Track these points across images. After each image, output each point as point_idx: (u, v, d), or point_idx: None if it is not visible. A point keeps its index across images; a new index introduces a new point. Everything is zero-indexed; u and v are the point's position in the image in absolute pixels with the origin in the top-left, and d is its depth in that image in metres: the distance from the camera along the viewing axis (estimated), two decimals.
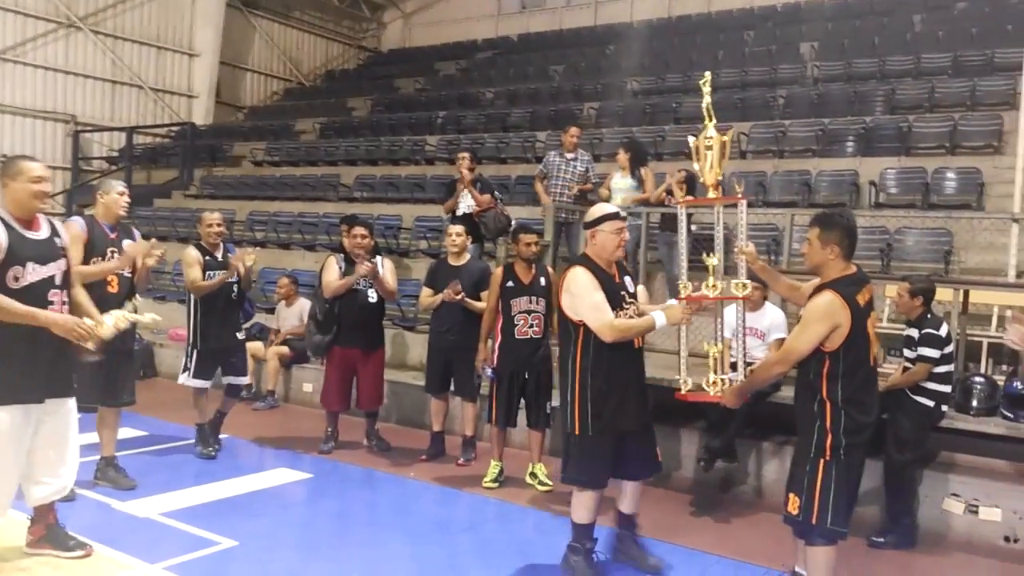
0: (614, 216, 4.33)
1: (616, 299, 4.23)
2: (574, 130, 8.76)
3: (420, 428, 7.27)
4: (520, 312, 5.83)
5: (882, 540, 5.05)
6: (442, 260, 6.84)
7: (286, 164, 15.77)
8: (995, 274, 7.19)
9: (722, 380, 4.29)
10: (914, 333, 5.25)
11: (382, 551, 4.72)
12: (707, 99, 4.50)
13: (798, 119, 11.41)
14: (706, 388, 4.32)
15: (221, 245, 6.41)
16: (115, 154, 17.75)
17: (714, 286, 4.23)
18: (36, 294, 3.95)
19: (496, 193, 8.53)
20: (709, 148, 4.32)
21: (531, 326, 5.82)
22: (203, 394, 6.43)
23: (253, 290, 8.11)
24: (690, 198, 4.17)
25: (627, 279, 4.40)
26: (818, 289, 3.83)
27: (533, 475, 5.95)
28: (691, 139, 4.48)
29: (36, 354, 3.97)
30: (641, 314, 4.29)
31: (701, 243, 8.44)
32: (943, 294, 6.04)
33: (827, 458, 3.75)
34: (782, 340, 6.12)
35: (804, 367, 3.83)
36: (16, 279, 3.91)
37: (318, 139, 17.01)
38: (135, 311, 4.57)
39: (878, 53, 13.02)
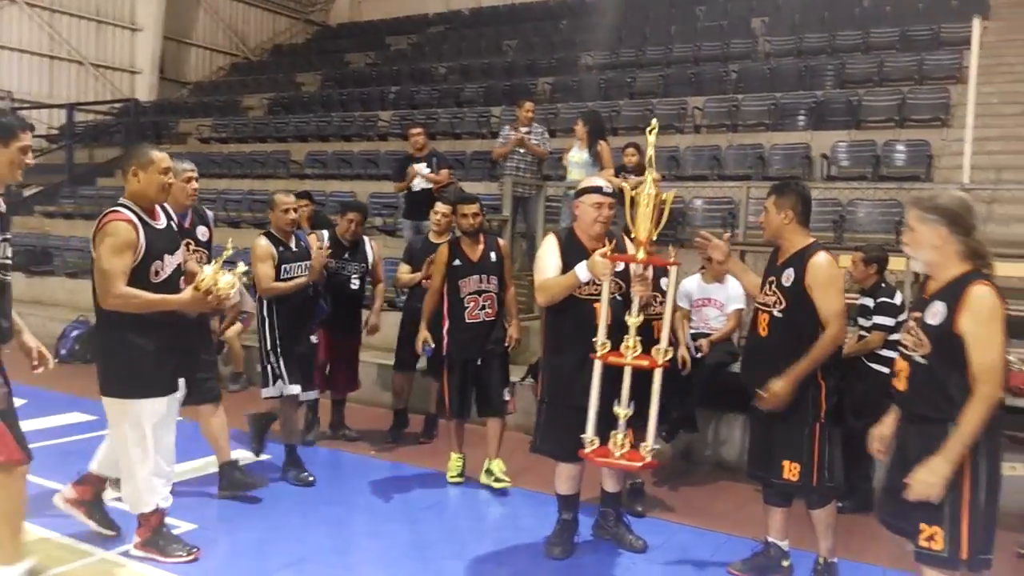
0: (595, 190, 4.21)
1: None
2: (529, 105, 8.69)
3: (381, 407, 7.18)
4: (470, 293, 5.26)
5: (842, 505, 5.13)
6: (422, 237, 6.62)
7: (234, 141, 15.47)
8: None
9: (645, 448, 3.93)
10: (869, 302, 5.33)
11: (345, 530, 4.67)
12: (650, 150, 4.01)
13: (751, 93, 11.51)
14: (612, 448, 3.94)
15: (293, 234, 5.45)
16: (55, 132, 17.20)
17: (633, 347, 3.87)
18: (173, 285, 3.96)
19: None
20: (647, 205, 3.86)
21: (483, 308, 5.28)
22: (292, 408, 5.45)
23: None
24: (617, 255, 3.87)
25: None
26: (809, 256, 3.81)
27: (488, 472, 5.42)
28: (625, 185, 4.08)
29: (167, 343, 3.92)
30: (621, 293, 4.11)
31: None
32: (896, 263, 6.13)
33: (821, 422, 3.84)
34: (740, 311, 6.18)
35: (791, 334, 3.82)
36: (157, 273, 3.87)
37: (266, 115, 16.75)
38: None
39: (828, 28, 13.16)
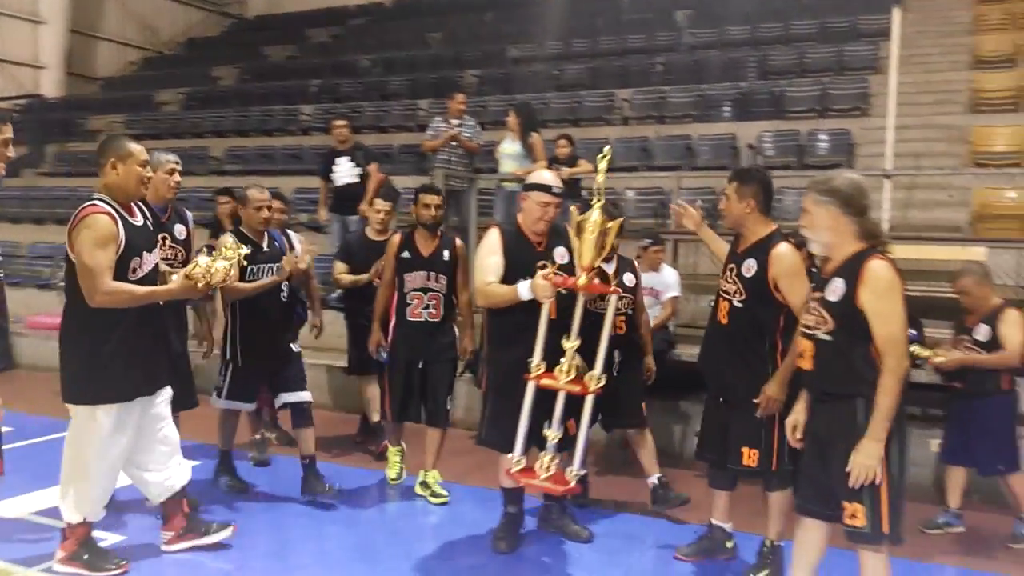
0: (544, 188, 4.10)
1: (529, 267, 3.99)
2: (460, 97, 8.54)
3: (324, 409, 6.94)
4: (414, 290, 4.96)
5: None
6: (358, 234, 6.33)
7: (148, 137, 14.78)
8: None
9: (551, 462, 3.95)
10: None
11: (286, 535, 4.50)
12: (600, 176, 3.92)
13: (677, 85, 11.62)
14: (538, 470, 3.95)
15: (266, 233, 4.96)
16: None
17: (567, 371, 3.85)
18: (150, 284, 3.83)
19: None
20: (593, 232, 3.83)
21: (426, 307, 4.96)
22: (234, 417, 5.13)
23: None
24: (559, 278, 3.89)
25: (559, 250, 4.13)
26: (771, 247, 3.76)
27: (424, 484, 5.10)
28: (572, 210, 3.96)
29: (138, 346, 3.79)
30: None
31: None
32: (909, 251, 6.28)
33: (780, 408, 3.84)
34: (676, 298, 6.21)
35: (751, 324, 3.81)
36: (135, 271, 3.75)
37: (182, 110, 16.24)
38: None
39: (750, 20, 13.38)
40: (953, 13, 11.85)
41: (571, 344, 3.87)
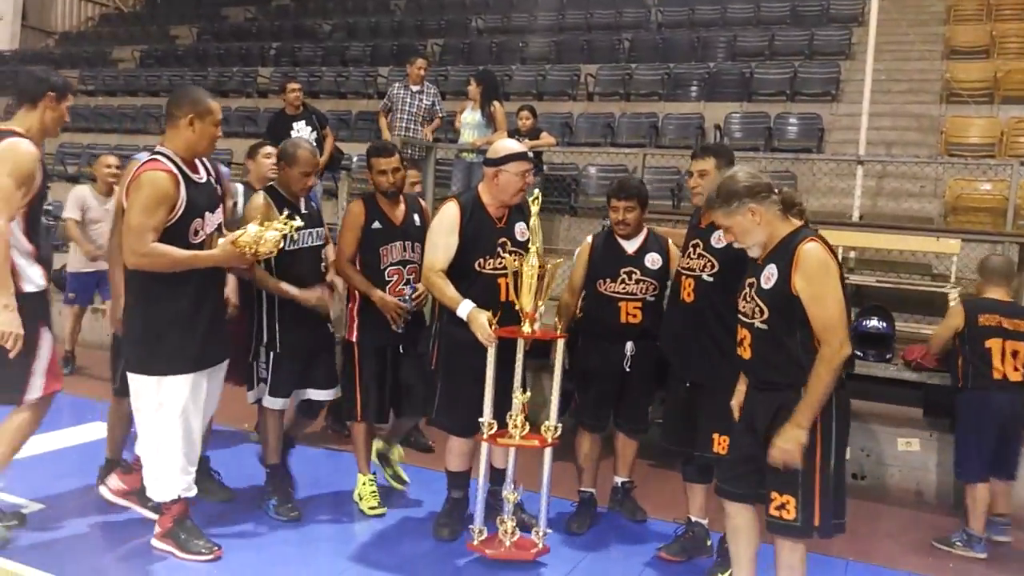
0: (521, 156, 3.86)
1: (489, 245, 3.83)
2: (420, 62, 8.20)
3: None
4: (393, 264, 4.21)
5: None
6: None
7: (102, 93, 14.60)
8: (836, 218, 7.32)
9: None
10: None
11: (209, 509, 4.15)
12: (534, 219, 3.72)
13: (643, 63, 11.38)
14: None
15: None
16: None
17: (521, 426, 3.74)
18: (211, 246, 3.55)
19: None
20: (531, 278, 3.65)
21: (407, 282, 4.24)
22: (278, 419, 4.26)
23: None
24: (502, 330, 3.67)
25: (519, 226, 3.90)
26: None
27: (386, 460, 4.67)
28: (508, 259, 3.76)
29: (197, 316, 3.51)
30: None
31: (553, 183, 8.32)
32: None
33: None
34: None
35: (721, 298, 3.49)
36: (196, 232, 3.47)
37: (138, 68, 15.88)
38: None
39: (719, 1, 13.08)
40: (927, 2, 11.71)
41: (522, 398, 3.74)
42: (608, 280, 4.11)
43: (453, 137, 8.92)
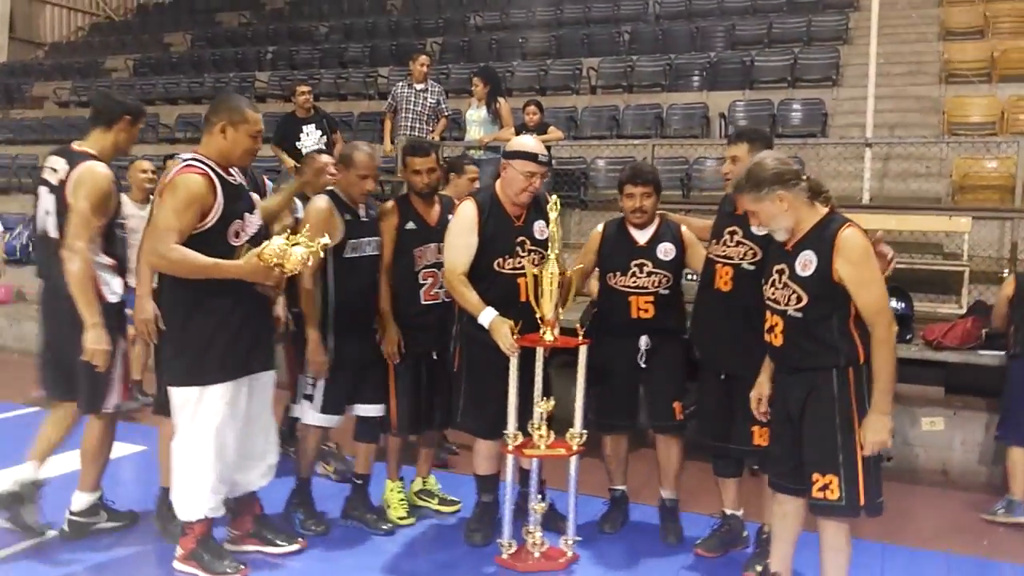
0: (531, 157, 3.76)
1: (507, 244, 3.78)
2: (423, 59, 8.20)
3: None
4: (427, 267, 4.06)
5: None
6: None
7: None
8: (846, 202, 7.36)
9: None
10: None
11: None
12: (553, 225, 3.72)
13: (644, 55, 11.40)
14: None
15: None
16: None
17: (543, 436, 3.75)
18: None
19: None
20: (551, 284, 3.62)
21: (442, 285, 4.03)
22: (320, 436, 4.14)
23: None
24: (525, 338, 3.65)
25: (538, 224, 3.83)
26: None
27: (428, 493, 4.44)
28: (527, 266, 3.72)
29: (232, 324, 3.43)
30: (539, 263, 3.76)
31: (562, 177, 8.34)
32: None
33: None
34: None
35: (756, 288, 3.32)
36: (238, 235, 3.42)
37: (132, 77, 15.70)
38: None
39: None
40: None
41: (544, 407, 3.72)
42: (618, 273, 3.97)
43: (458, 135, 8.93)
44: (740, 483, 3.94)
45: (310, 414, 3.98)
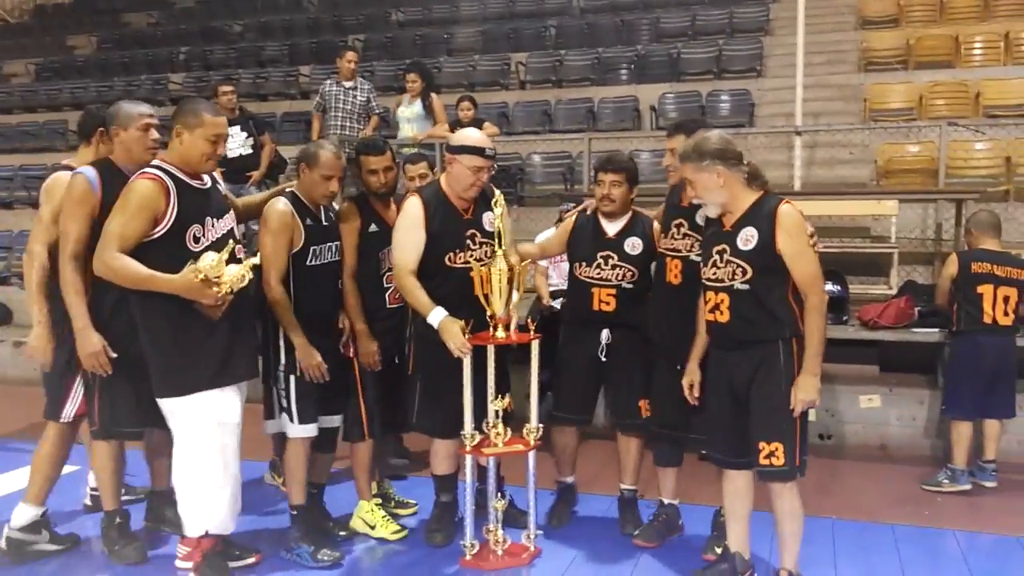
0: (477, 151, 3.69)
1: (457, 238, 3.73)
2: (350, 55, 7.99)
3: None
4: (390, 270, 3.90)
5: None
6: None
7: None
8: (778, 189, 7.51)
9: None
10: None
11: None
12: (499, 221, 3.66)
13: (571, 49, 11.43)
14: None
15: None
16: None
17: (500, 433, 3.72)
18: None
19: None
20: (500, 281, 3.59)
21: None
22: (306, 450, 3.82)
23: None
24: (476, 336, 3.61)
25: (487, 216, 3.76)
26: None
27: (385, 497, 4.31)
28: (474, 263, 3.67)
29: (213, 332, 3.33)
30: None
31: (498, 174, 8.27)
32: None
33: None
34: None
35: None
36: (197, 240, 3.30)
37: (35, 82, 14.98)
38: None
39: None
40: None
41: (499, 405, 3.69)
42: (584, 264, 3.95)
43: (388, 134, 8.78)
44: (678, 473, 3.97)
45: (292, 427, 3.74)
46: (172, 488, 3.53)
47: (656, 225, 3.98)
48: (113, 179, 3.43)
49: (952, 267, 4.78)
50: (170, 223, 3.24)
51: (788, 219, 3.10)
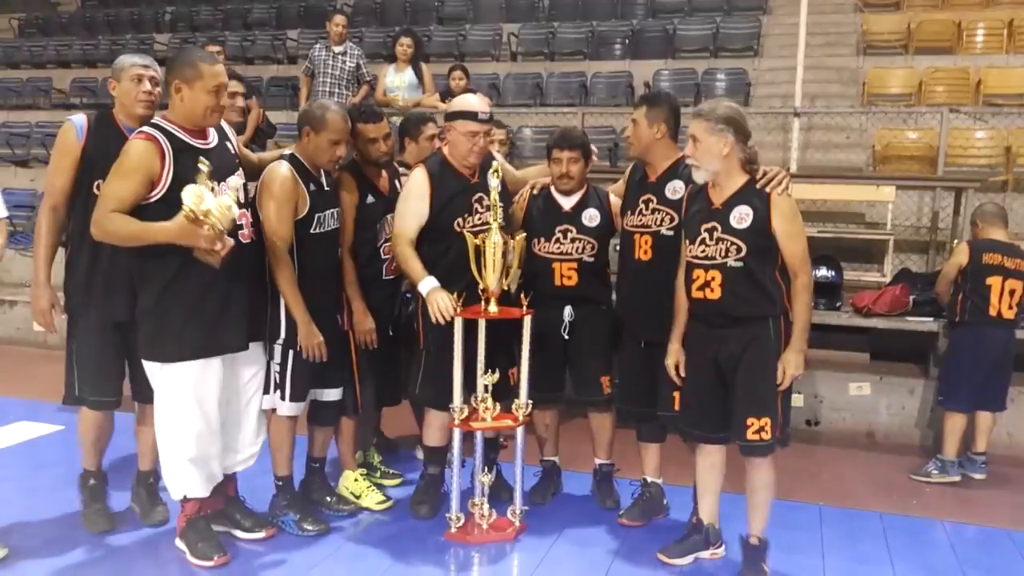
0: (470, 116, 3.64)
1: (464, 204, 3.70)
2: (339, 19, 7.79)
3: None
4: (388, 240, 3.89)
5: None
6: None
7: None
8: None
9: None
10: None
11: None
12: (494, 195, 3.56)
13: (564, 21, 11.22)
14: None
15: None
16: None
17: (489, 408, 3.70)
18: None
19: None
20: (495, 255, 3.54)
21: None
22: (292, 426, 3.76)
23: None
24: (468, 310, 3.59)
25: (493, 180, 3.62)
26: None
27: (370, 467, 4.32)
28: (468, 236, 3.58)
29: (205, 301, 3.21)
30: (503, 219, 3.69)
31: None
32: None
33: None
34: None
35: (675, 255, 3.46)
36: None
37: (18, 38, 14.68)
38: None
39: None
40: None
41: (489, 380, 3.65)
42: (543, 239, 3.86)
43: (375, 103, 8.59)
44: (662, 450, 3.95)
45: (281, 404, 3.65)
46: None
47: (614, 199, 3.93)
48: (106, 131, 3.34)
49: (962, 256, 4.68)
50: (166, 186, 3.09)
51: (784, 201, 3.17)
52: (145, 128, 3.15)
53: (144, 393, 3.45)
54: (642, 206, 3.64)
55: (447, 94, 7.41)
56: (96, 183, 3.25)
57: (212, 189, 3.05)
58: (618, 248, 3.89)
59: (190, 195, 2.96)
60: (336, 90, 7.69)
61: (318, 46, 7.89)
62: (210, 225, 2.98)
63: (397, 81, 7.65)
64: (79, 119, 3.38)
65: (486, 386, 3.67)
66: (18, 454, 4.67)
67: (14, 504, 3.92)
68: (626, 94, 9.33)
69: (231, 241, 3.11)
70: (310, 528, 3.70)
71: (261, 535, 3.63)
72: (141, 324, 3.24)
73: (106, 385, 3.50)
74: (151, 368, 3.26)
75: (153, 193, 3.09)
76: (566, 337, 3.91)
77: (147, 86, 3.38)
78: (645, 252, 3.63)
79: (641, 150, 3.65)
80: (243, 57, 12.00)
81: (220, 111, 3.23)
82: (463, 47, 11.00)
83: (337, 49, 7.71)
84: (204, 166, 3.03)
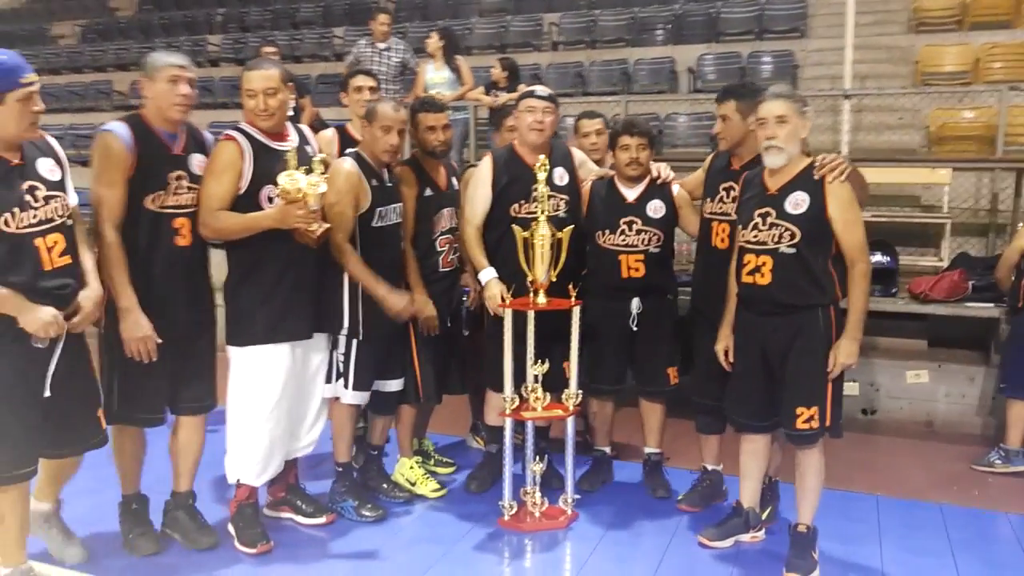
0: (527, 94, 3.86)
1: (523, 190, 3.82)
2: (383, 17, 7.85)
3: None
4: (444, 233, 3.97)
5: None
6: None
7: (46, 72, 13.84)
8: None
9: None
10: None
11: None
12: (542, 188, 3.60)
13: (605, 8, 11.14)
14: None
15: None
16: None
17: (539, 398, 3.73)
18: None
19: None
20: (543, 247, 3.58)
21: (455, 251, 4.03)
22: (354, 414, 3.88)
23: None
24: (517, 301, 3.63)
25: (558, 171, 3.77)
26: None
27: (425, 454, 4.38)
28: (516, 229, 3.63)
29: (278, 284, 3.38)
30: (566, 211, 3.86)
31: None
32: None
33: None
34: None
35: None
36: (271, 201, 3.31)
37: (80, 43, 15.23)
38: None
39: None
40: None
41: (538, 370, 3.70)
42: (608, 232, 3.87)
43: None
44: (721, 440, 3.94)
45: (345, 393, 3.74)
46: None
47: (678, 189, 3.95)
48: (147, 139, 3.19)
49: (1023, 240, 4.57)
50: (247, 184, 3.29)
51: (841, 188, 3.11)
52: (228, 131, 3.34)
53: (188, 405, 3.43)
54: (723, 194, 3.61)
55: (492, 86, 7.43)
56: (151, 196, 3.18)
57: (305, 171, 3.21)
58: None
59: (284, 178, 3.17)
60: (383, 86, 7.73)
61: (363, 42, 7.98)
62: (303, 202, 3.17)
63: (437, 78, 7.67)
64: (121, 128, 3.17)
65: (536, 376, 3.72)
66: None
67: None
68: (669, 80, 9.25)
69: (326, 224, 3.30)
70: (368, 514, 3.79)
71: (322, 520, 3.73)
72: (226, 309, 3.44)
73: (156, 400, 3.35)
74: (231, 352, 3.43)
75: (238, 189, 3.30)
76: (634, 329, 3.92)
77: (185, 88, 3.20)
78: (723, 240, 3.61)
79: (734, 143, 3.60)
80: (291, 55, 12.20)
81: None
82: (504, 38, 11.02)
83: (381, 45, 7.78)
84: (292, 154, 3.21)
